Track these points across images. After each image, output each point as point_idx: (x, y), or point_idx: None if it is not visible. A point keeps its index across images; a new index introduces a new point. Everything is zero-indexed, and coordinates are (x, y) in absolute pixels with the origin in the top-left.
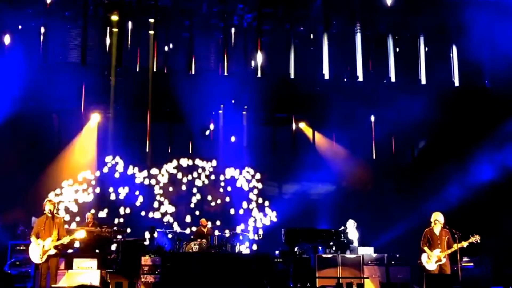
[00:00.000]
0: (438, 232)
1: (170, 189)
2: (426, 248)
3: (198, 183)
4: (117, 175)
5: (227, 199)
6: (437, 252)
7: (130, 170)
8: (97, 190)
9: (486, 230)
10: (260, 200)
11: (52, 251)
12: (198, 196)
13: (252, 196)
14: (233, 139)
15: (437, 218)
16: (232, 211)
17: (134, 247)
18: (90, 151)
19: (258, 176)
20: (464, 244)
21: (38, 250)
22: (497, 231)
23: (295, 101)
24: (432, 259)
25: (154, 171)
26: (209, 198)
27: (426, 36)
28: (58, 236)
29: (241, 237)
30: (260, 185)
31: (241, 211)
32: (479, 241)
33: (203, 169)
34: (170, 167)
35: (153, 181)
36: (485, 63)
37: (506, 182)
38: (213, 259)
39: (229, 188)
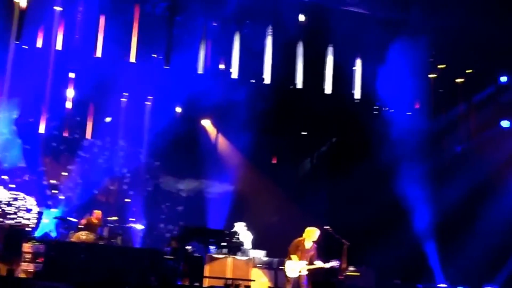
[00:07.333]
0: (308, 246)
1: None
2: (295, 256)
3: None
4: None
5: (122, 191)
6: (303, 264)
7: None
8: None
9: (371, 243)
10: None
11: None
12: (92, 185)
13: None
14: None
15: (312, 234)
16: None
17: (17, 233)
18: None
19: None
20: (326, 265)
21: None
22: (383, 244)
23: (201, 97)
24: (296, 269)
25: None
26: (104, 188)
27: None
28: None
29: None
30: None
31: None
32: (337, 266)
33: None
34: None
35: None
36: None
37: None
38: (101, 251)
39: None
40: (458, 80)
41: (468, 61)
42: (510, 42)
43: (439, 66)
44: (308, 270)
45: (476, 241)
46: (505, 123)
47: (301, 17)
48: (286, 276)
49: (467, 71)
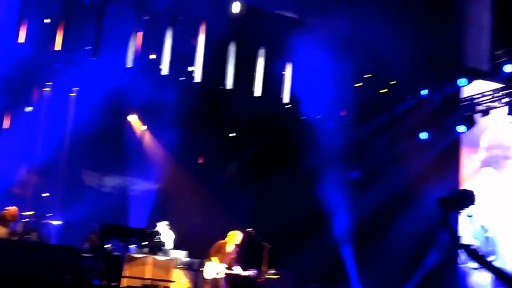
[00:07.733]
0: (230, 250)
1: None
2: (216, 258)
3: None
4: None
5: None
6: (222, 267)
7: None
8: None
9: (293, 246)
10: None
11: None
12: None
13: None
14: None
15: (235, 238)
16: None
17: None
18: None
19: None
20: (243, 273)
21: None
22: (304, 248)
23: (128, 91)
24: (214, 271)
25: None
26: (20, 181)
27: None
28: None
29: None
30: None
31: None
32: (253, 275)
33: None
34: None
35: None
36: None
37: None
38: (13, 247)
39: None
40: (382, 91)
41: (392, 72)
42: (431, 56)
43: (365, 76)
44: (226, 274)
45: (391, 247)
46: (423, 135)
47: (236, 8)
48: (203, 277)
49: (391, 82)
